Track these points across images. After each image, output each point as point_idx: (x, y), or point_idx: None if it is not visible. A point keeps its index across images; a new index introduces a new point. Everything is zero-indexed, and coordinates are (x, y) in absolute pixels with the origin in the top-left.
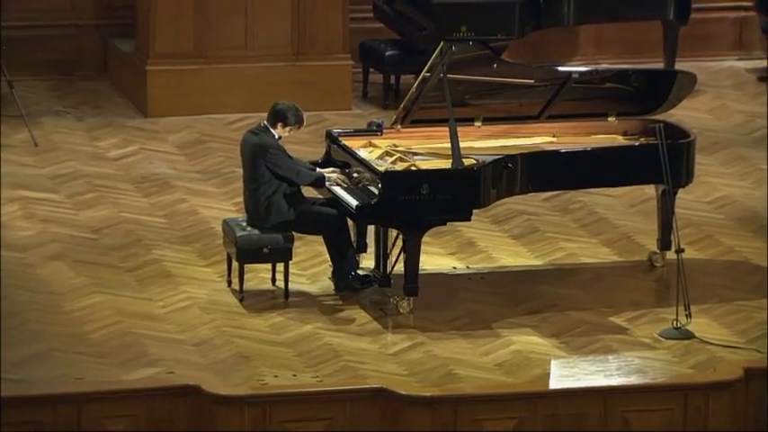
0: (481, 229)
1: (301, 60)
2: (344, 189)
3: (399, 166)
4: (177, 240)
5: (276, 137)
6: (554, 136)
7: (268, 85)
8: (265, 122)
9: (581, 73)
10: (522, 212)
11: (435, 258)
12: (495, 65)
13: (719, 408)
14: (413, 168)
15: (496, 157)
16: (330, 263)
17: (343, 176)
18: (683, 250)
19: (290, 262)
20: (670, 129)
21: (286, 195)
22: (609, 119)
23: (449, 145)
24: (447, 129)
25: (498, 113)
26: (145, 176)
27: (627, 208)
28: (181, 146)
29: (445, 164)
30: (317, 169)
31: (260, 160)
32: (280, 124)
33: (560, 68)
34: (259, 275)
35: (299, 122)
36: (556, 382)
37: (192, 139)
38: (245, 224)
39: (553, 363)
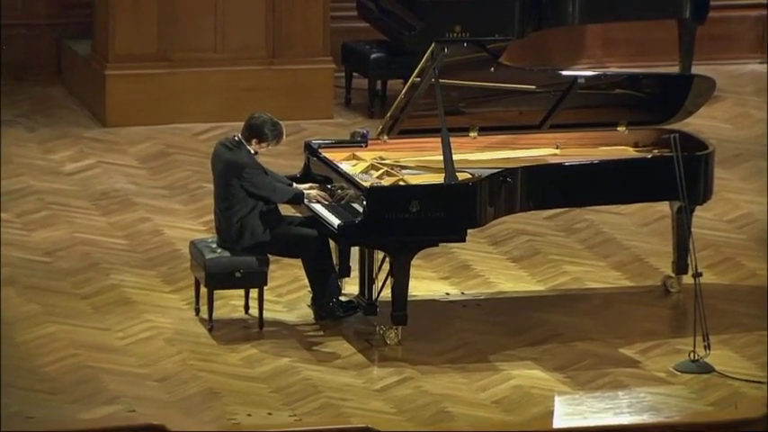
0: (477, 251)
1: (277, 64)
2: (325, 207)
3: (386, 181)
4: (139, 264)
5: (251, 152)
6: (558, 147)
7: (240, 92)
8: (239, 136)
9: (587, 78)
10: (523, 232)
11: (426, 283)
12: (493, 69)
13: None
14: (401, 183)
15: (494, 170)
16: (309, 289)
17: (323, 193)
18: (700, 274)
19: (265, 287)
20: (686, 139)
21: (261, 214)
22: (618, 128)
23: (441, 158)
24: (439, 140)
25: (496, 122)
26: (103, 193)
27: (638, 227)
28: (143, 159)
29: (437, 178)
30: (295, 185)
31: (233, 179)
32: (255, 140)
33: (564, 73)
34: (230, 303)
35: (276, 138)
36: (560, 421)
37: (156, 152)
38: (214, 246)
39: (557, 399)
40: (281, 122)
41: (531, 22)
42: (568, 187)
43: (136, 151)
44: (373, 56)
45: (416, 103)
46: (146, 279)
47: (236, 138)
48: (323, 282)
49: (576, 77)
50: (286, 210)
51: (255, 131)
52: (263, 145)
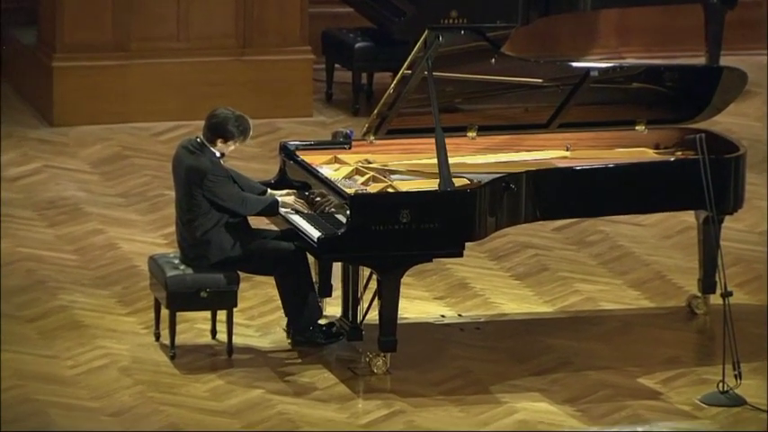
0: (476, 268)
1: (249, 54)
2: (303, 217)
3: (373, 188)
4: (91, 282)
5: (216, 155)
6: (568, 149)
7: (206, 86)
8: (201, 138)
9: (601, 70)
10: (528, 246)
11: (419, 304)
12: (494, 60)
13: None
14: (390, 190)
15: (495, 175)
16: (284, 311)
17: (301, 201)
18: (730, 294)
19: (235, 309)
20: (714, 140)
21: (229, 225)
22: (637, 128)
23: (435, 161)
24: (433, 141)
25: (498, 121)
26: (50, 201)
27: (660, 240)
28: (96, 162)
29: (431, 185)
30: (270, 192)
31: (196, 188)
32: (219, 140)
33: (575, 65)
34: (195, 327)
35: (243, 134)
36: None
37: (110, 154)
38: (177, 262)
39: None
40: (246, 116)
41: (538, 8)
42: (580, 195)
43: (87, 154)
44: (358, 45)
45: (407, 98)
46: (99, 300)
47: (197, 140)
48: (301, 302)
49: (588, 70)
50: (259, 221)
51: (218, 130)
52: (230, 144)
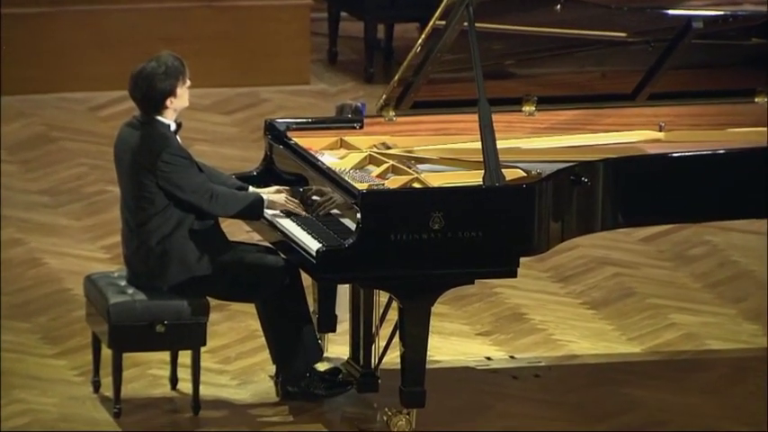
0: (535, 292)
1: None
2: (297, 221)
3: (393, 183)
4: (6, 312)
5: (171, 126)
6: (661, 130)
7: (164, 42)
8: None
9: (708, 20)
10: (606, 262)
11: (456, 342)
12: (559, 6)
13: None
14: (415, 186)
15: (562, 165)
16: (271, 351)
17: (295, 200)
18: None
19: (203, 349)
20: None
21: (195, 233)
22: (756, 100)
23: (478, 146)
24: (475, 118)
25: (565, 91)
26: None
27: None
28: (12, 147)
29: (472, 178)
30: (252, 188)
31: (146, 175)
32: (168, 99)
33: (672, 12)
34: (149, 373)
35: (183, 69)
36: None
37: (32, 136)
38: (123, 284)
39: None
40: (166, 53)
41: None
42: (678, 192)
43: (2, 134)
44: None
45: (440, 60)
46: (16, 336)
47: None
48: (293, 340)
49: (689, 20)
50: (236, 227)
51: (159, 85)
52: (180, 95)
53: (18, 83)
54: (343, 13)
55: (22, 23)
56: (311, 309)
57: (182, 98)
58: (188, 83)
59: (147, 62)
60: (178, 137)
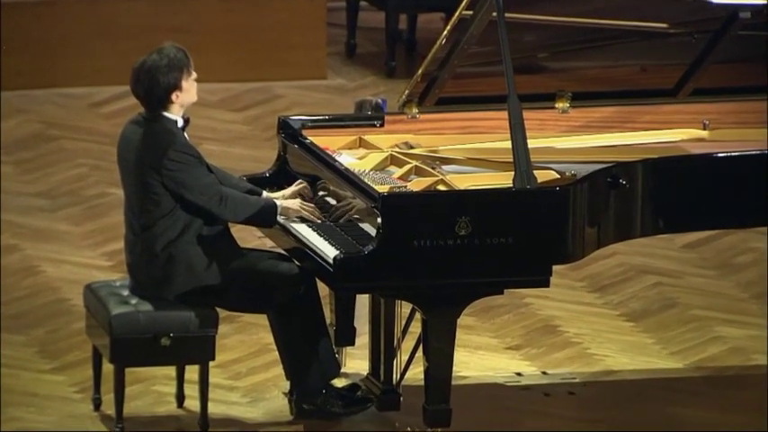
0: (569, 303)
1: None
2: (313, 227)
3: (416, 185)
4: (1, 323)
5: (179, 123)
6: (705, 128)
7: (171, 33)
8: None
9: (756, 9)
10: (646, 271)
11: (484, 357)
12: None
13: None
14: (440, 188)
15: (598, 166)
16: (284, 366)
17: (310, 205)
18: None
19: (212, 364)
20: None
21: (203, 239)
22: None
23: (507, 145)
24: (504, 115)
25: (601, 86)
26: None
27: None
28: (9, 146)
29: (501, 180)
30: (265, 193)
31: (152, 175)
32: (174, 94)
33: (716, 2)
34: (153, 389)
35: (187, 60)
36: None
37: (30, 134)
38: (126, 293)
39: None
40: (168, 44)
41: None
42: (723, 195)
43: None
44: None
45: (465, 53)
46: (12, 350)
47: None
48: (309, 355)
49: (736, 9)
50: (247, 233)
51: (162, 79)
52: (187, 87)
53: (14, 77)
54: (363, 3)
55: (18, 13)
56: (328, 320)
57: (188, 92)
58: (194, 75)
59: (148, 55)
60: (186, 134)
